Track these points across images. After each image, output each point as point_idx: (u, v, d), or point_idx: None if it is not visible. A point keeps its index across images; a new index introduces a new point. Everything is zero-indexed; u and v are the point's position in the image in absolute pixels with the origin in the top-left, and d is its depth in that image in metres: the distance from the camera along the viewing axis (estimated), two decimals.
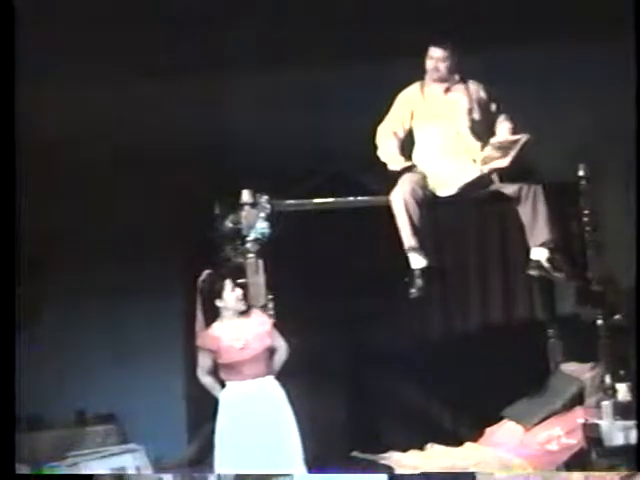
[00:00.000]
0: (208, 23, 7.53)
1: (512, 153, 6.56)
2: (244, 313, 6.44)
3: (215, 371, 6.42)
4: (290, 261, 7.51)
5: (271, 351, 6.44)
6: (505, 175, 6.64)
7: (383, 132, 6.82)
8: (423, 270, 6.64)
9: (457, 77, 6.80)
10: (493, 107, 6.84)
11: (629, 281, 7.07)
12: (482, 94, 6.83)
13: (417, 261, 6.65)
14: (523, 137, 6.61)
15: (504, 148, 6.61)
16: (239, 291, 6.43)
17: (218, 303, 6.42)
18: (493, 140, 6.68)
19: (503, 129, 6.79)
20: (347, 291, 7.86)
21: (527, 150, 6.59)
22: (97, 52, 7.58)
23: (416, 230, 6.59)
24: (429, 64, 6.74)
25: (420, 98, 6.79)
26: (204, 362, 6.43)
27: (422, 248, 6.64)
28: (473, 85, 6.83)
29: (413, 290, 6.65)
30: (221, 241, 7.06)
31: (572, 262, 6.91)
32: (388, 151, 6.76)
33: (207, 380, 6.45)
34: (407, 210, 6.58)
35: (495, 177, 6.68)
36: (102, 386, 8.15)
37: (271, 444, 6.21)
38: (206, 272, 6.50)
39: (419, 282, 6.63)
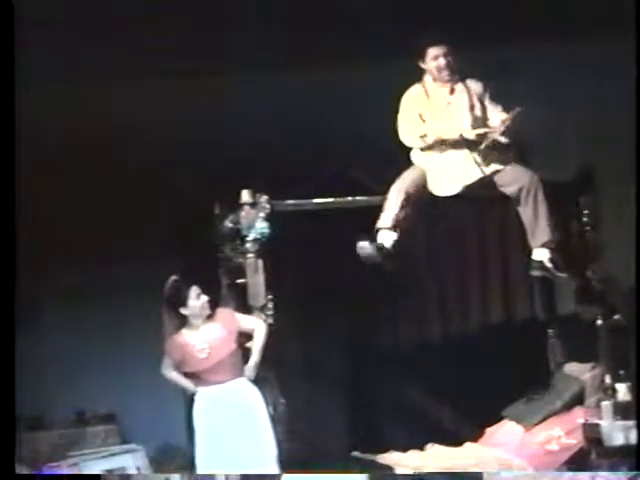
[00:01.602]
0: (208, 23, 7.53)
1: (506, 124, 6.53)
2: (210, 317, 6.42)
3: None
4: (290, 261, 7.51)
5: (238, 354, 6.42)
6: (505, 176, 6.67)
7: (406, 121, 6.74)
8: (382, 248, 6.62)
9: (457, 76, 6.79)
10: (488, 101, 6.81)
11: (629, 281, 7.07)
12: (481, 90, 6.81)
13: (386, 238, 6.64)
14: (514, 111, 6.58)
15: (499, 131, 6.60)
16: (204, 298, 6.39)
17: (183, 311, 6.40)
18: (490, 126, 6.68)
19: (496, 116, 6.76)
20: (347, 291, 7.85)
21: (520, 122, 6.55)
22: (97, 52, 7.57)
23: (394, 218, 6.58)
24: (433, 65, 6.71)
25: (425, 100, 6.76)
26: (168, 363, 6.47)
27: (395, 231, 6.63)
28: (471, 82, 6.80)
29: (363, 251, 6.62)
30: (221, 241, 7.06)
31: (572, 262, 6.91)
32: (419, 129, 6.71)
33: (172, 374, 6.48)
34: (396, 199, 6.58)
35: (496, 178, 6.69)
36: (102, 386, 8.14)
37: (245, 445, 6.23)
38: (172, 278, 6.45)
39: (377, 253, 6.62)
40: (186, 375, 6.44)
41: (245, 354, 6.50)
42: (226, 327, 6.41)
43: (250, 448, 6.24)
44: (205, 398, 6.38)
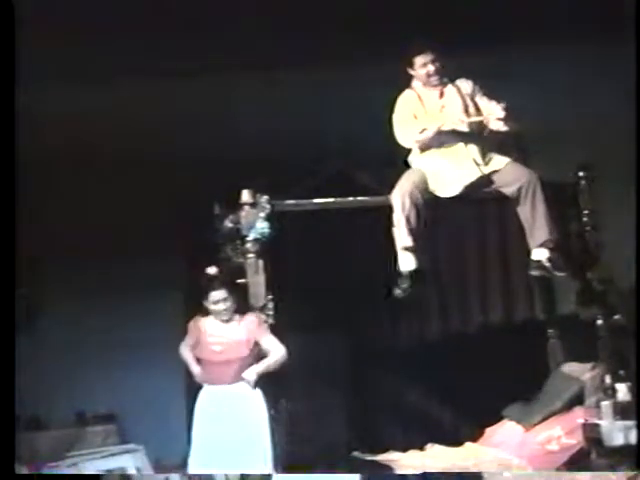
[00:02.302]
0: (208, 23, 7.53)
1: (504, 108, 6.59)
2: (239, 315, 6.48)
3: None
4: (290, 261, 7.51)
5: (249, 361, 6.43)
6: (504, 176, 6.69)
7: (401, 122, 6.76)
8: (412, 273, 6.66)
9: (446, 79, 6.81)
10: (480, 98, 6.83)
11: (629, 281, 7.07)
12: (471, 90, 6.83)
13: (407, 263, 6.67)
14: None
15: (498, 116, 6.64)
16: (228, 304, 6.45)
17: (205, 303, 6.50)
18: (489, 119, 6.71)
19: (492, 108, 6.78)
20: (347, 291, 7.85)
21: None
22: (97, 52, 7.57)
23: (411, 231, 6.60)
24: (422, 72, 6.73)
25: (418, 103, 6.78)
26: (188, 341, 6.57)
27: (414, 250, 6.65)
28: (461, 83, 6.84)
29: (398, 291, 6.71)
30: (221, 241, 7.07)
31: (572, 262, 6.92)
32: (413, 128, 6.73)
33: (186, 354, 6.54)
34: (404, 210, 6.59)
35: (495, 178, 6.71)
36: (102, 386, 8.15)
37: (242, 448, 6.25)
38: (210, 270, 6.52)
39: (405, 284, 6.68)
40: (197, 361, 6.51)
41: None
42: (247, 334, 6.46)
43: (245, 452, 6.25)
44: (208, 397, 6.41)
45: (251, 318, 6.54)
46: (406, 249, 6.64)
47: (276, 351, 6.50)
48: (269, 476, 6.29)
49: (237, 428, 6.30)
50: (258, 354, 6.49)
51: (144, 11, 7.31)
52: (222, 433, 6.28)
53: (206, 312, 6.54)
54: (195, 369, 6.50)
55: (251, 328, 6.50)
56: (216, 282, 6.50)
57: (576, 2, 7.36)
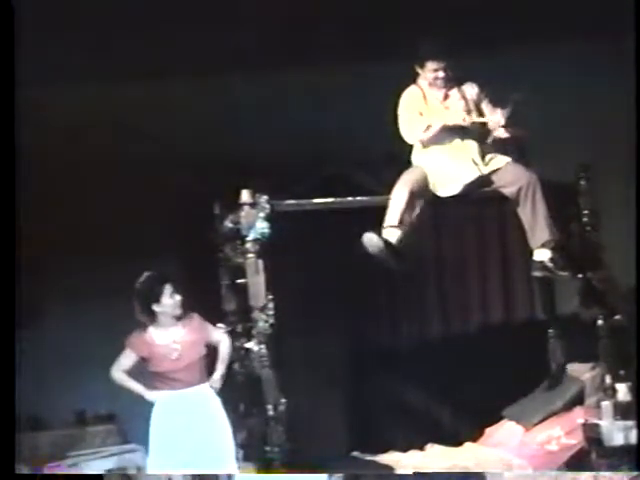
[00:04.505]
0: (208, 23, 7.53)
1: (506, 114, 6.58)
2: (181, 319, 6.33)
3: (132, 372, 6.33)
4: (290, 261, 7.51)
5: (206, 359, 6.35)
6: (504, 176, 6.69)
7: (406, 118, 6.76)
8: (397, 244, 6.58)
9: (452, 83, 6.82)
10: (485, 105, 6.84)
11: (629, 281, 7.07)
12: (476, 95, 6.85)
13: (392, 235, 6.59)
14: (514, 96, 6.60)
15: (500, 123, 6.65)
16: (177, 297, 6.28)
17: (155, 307, 6.30)
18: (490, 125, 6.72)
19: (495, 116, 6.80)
20: (347, 291, 7.85)
21: (521, 110, 6.58)
22: (97, 52, 7.58)
23: (401, 216, 6.56)
24: (430, 76, 6.75)
25: (423, 102, 6.80)
26: (125, 362, 6.35)
27: (400, 228, 6.60)
28: (467, 87, 6.86)
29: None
30: (221, 241, 7.06)
31: (573, 262, 6.92)
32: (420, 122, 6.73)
33: (124, 378, 6.35)
34: (401, 198, 6.57)
35: (495, 178, 6.72)
36: (102, 386, 8.12)
37: (205, 451, 6.16)
38: (145, 274, 6.36)
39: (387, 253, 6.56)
40: (152, 375, 6.34)
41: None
42: (195, 332, 6.34)
43: (208, 452, 6.18)
44: (166, 402, 6.28)
45: (192, 315, 6.37)
46: (392, 227, 6.58)
47: (223, 341, 6.44)
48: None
49: (200, 429, 6.20)
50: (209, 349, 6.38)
51: (144, 11, 7.31)
52: (184, 438, 6.16)
53: (143, 325, 6.35)
54: (140, 389, 6.31)
55: (197, 325, 6.35)
56: (160, 277, 6.31)
57: (576, 2, 7.36)
